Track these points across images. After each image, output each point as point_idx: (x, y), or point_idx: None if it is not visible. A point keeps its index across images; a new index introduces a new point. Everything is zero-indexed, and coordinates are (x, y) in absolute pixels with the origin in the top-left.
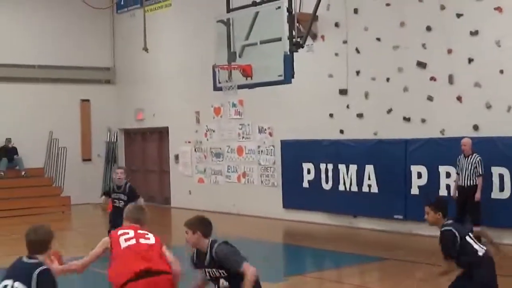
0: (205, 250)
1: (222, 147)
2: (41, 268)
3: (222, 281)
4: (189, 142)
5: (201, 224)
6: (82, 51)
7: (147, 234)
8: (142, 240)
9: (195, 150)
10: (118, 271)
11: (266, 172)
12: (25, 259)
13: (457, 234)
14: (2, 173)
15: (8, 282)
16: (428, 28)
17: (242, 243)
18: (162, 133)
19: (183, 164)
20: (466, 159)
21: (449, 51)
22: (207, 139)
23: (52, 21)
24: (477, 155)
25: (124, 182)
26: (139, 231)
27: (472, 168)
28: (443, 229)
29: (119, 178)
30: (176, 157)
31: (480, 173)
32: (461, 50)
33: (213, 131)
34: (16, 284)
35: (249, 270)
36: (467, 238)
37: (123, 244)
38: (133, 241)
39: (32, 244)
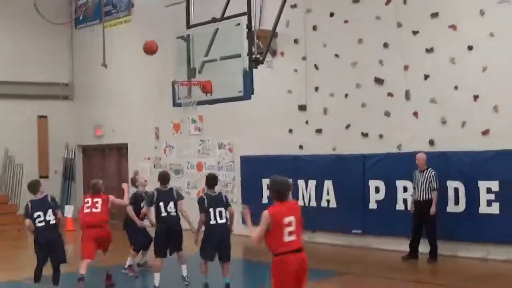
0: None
1: (182, 163)
2: (49, 195)
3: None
4: (149, 158)
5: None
6: (40, 67)
7: (97, 203)
8: (93, 209)
9: (154, 166)
10: (84, 223)
11: (226, 188)
12: (37, 197)
13: (206, 200)
14: None
15: (40, 213)
16: (385, 45)
17: (199, 259)
18: (121, 150)
19: None
20: (421, 173)
21: (406, 68)
22: (167, 156)
23: (9, 36)
24: (431, 170)
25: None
26: (94, 200)
27: (427, 182)
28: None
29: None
30: (135, 173)
31: (435, 187)
32: (417, 67)
33: (173, 147)
34: (49, 212)
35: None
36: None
37: (86, 210)
38: (88, 210)
39: (33, 187)
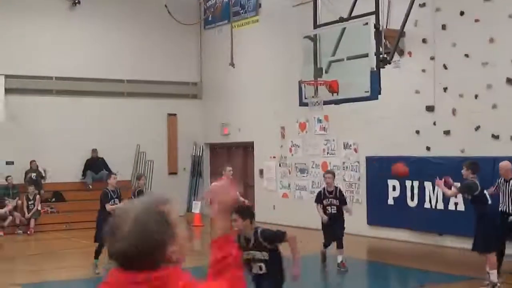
0: (250, 235)
1: (307, 162)
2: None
3: (260, 265)
4: (274, 157)
5: (251, 213)
6: (170, 66)
7: None
8: None
9: (279, 165)
10: None
11: (351, 188)
12: None
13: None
14: (90, 186)
15: None
16: None
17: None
18: (247, 148)
19: (268, 179)
20: (507, 183)
21: None
22: (292, 155)
23: (141, 37)
24: None
25: (334, 186)
26: None
27: None
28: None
29: (328, 182)
30: (261, 172)
31: None
32: None
33: (298, 146)
34: None
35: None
36: None
37: None
38: None
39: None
